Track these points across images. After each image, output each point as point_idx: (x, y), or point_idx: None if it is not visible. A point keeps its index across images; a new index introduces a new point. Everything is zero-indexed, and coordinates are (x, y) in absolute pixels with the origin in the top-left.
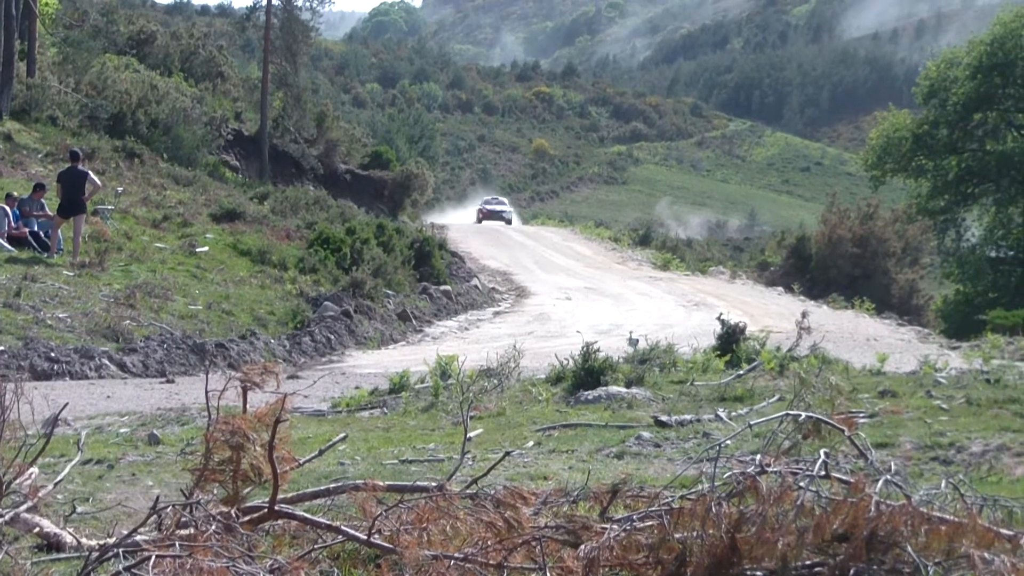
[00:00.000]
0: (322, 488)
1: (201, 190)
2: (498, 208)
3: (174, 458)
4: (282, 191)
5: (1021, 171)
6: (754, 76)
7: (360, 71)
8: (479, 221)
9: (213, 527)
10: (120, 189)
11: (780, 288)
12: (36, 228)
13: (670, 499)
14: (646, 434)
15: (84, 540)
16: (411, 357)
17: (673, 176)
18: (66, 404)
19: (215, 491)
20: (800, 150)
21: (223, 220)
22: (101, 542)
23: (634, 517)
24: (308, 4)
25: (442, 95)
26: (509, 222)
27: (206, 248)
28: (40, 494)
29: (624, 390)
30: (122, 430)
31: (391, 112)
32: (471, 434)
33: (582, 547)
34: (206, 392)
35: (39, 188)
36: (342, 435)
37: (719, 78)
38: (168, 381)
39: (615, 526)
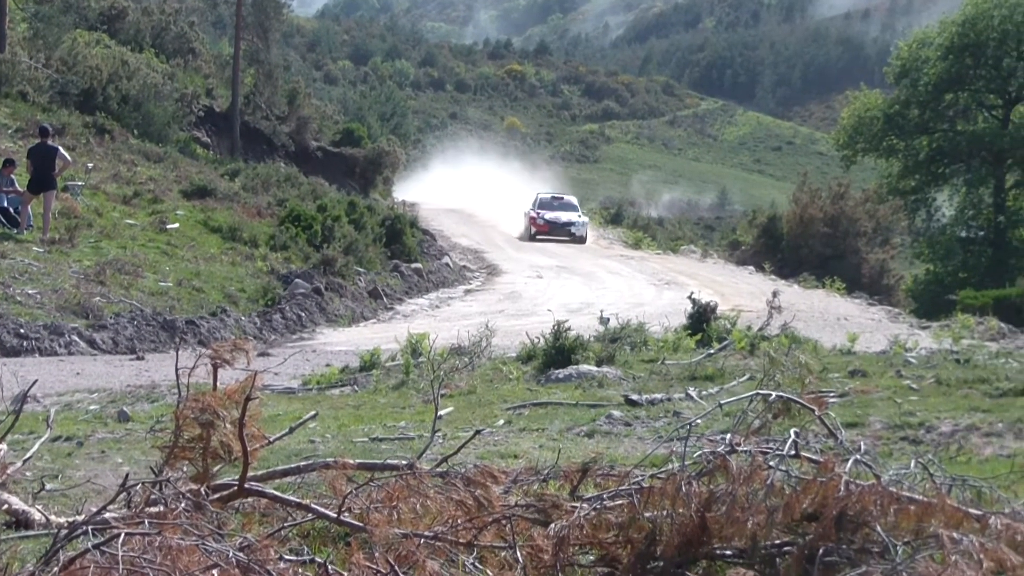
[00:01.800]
0: (292, 466)
1: (172, 167)
2: (564, 218)
3: (144, 435)
4: (253, 168)
5: (991, 151)
6: (726, 55)
7: (332, 48)
8: (532, 236)
9: (183, 505)
10: (90, 165)
11: (751, 267)
12: (5, 204)
13: (640, 478)
14: (616, 413)
15: (53, 517)
16: (382, 335)
17: (645, 155)
18: (35, 381)
19: (185, 468)
20: (772, 129)
21: (194, 197)
22: (70, 519)
23: (604, 496)
24: None
25: (414, 73)
26: (582, 239)
27: (177, 225)
28: (9, 471)
29: (595, 369)
30: (92, 407)
31: (363, 89)
32: (441, 412)
33: (552, 526)
34: (176, 369)
35: (9, 164)
36: (312, 413)
37: (691, 57)
38: (138, 358)
39: (585, 505)
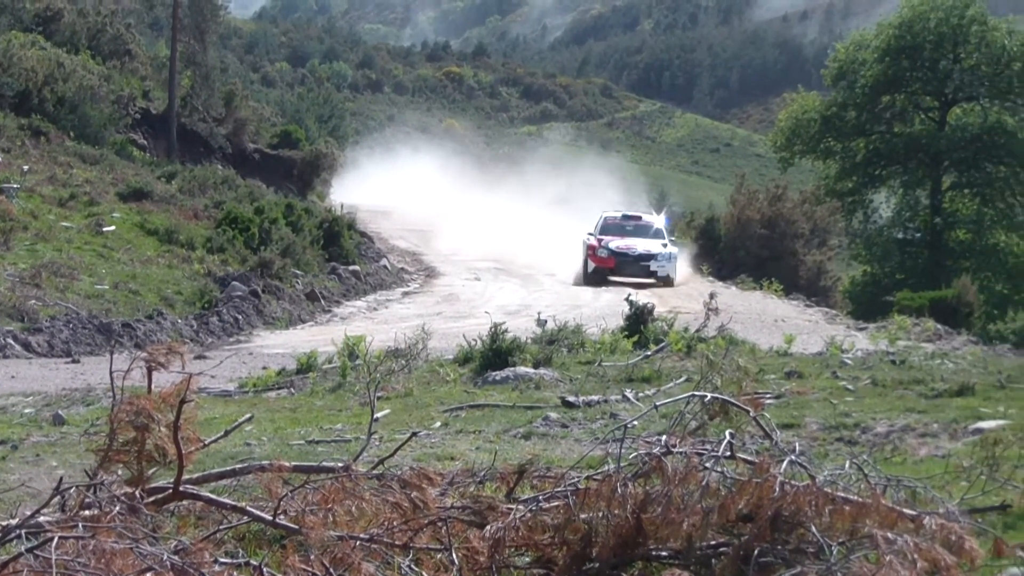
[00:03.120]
0: (228, 469)
1: (108, 169)
2: (641, 247)
3: (79, 439)
4: (190, 170)
5: (928, 153)
6: (664, 57)
7: (270, 50)
8: (590, 274)
9: (117, 508)
10: (26, 168)
11: (689, 269)
12: None
13: (576, 480)
14: (553, 415)
15: None
16: (319, 337)
17: (583, 156)
18: None
19: (119, 472)
20: (710, 131)
21: (130, 199)
22: (3, 523)
23: (540, 498)
24: None
25: (352, 75)
26: (668, 280)
27: (113, 228)
28: None
29: (532, 371)
30: (26, 410)
31: (300, 92)
32: (378, 415)
33: (488, 528)
34: (111, 372)
35: None
36: (248, 416)
37: (629, 59)
38: (74, 361)
39: (521, 507)
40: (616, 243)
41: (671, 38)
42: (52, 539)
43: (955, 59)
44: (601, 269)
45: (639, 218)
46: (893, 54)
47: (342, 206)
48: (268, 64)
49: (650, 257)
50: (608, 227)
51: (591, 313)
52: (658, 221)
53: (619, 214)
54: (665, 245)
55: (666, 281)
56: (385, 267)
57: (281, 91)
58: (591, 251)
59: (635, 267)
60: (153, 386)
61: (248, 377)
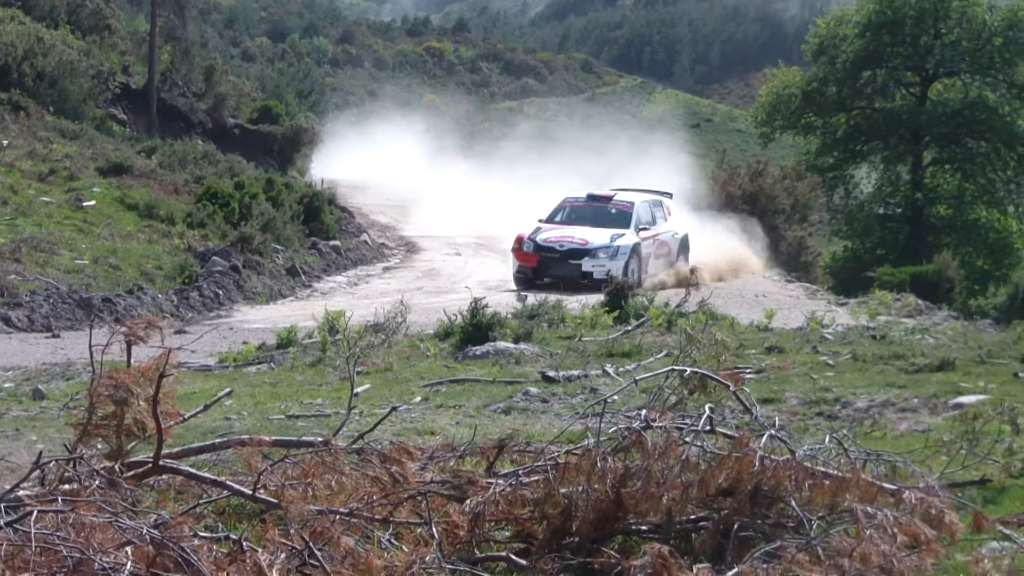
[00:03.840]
0: (207, 443)
1: (88, 144)
2: (581, 239)
3: (58, 413)
4: (170, 145)
5: (909, 129)
6: (644, 33)
7: (249, 25)
8: (514, 270)
9: (96, 482)
10: (5, 143)
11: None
12: None
13: (556, 454)
14: (533, 389)
15: None
16: (299, 312)
17: (563, 132)
18: None
19: (99, 446)
20: (690, 107)
21: (110, 174)
22: None
23: (520, 472)
24: None
25: (332, 50)
26: (620, 284)
27: (93, 202)
28: None
29: (512, 346)
30: (6, 385)
31: (281, 67)
32: (358, 389)
33: (468, 502)
34: (90, 347)
35: None
36: (227, 390)
37: (610, 35)
38: (54, 336)
39: (501, 481)
40: (548, 234)
41: (651, 13)
42: (31, 513)
43: (936, 34)
44: (524, 268)
45: (608, 199)
46: (874, 29)
47: (323, 181)
48: (248, 39)
49: (583, 253)
50: (564, 210)
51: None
52: (639, 203)
53: (583, 194)
54: (619, 236)
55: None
56: (365, 242)
57: (261, 66)
58: (517, 244)
59: (563, 266)
60: (133, 360)
61: (228, 352)
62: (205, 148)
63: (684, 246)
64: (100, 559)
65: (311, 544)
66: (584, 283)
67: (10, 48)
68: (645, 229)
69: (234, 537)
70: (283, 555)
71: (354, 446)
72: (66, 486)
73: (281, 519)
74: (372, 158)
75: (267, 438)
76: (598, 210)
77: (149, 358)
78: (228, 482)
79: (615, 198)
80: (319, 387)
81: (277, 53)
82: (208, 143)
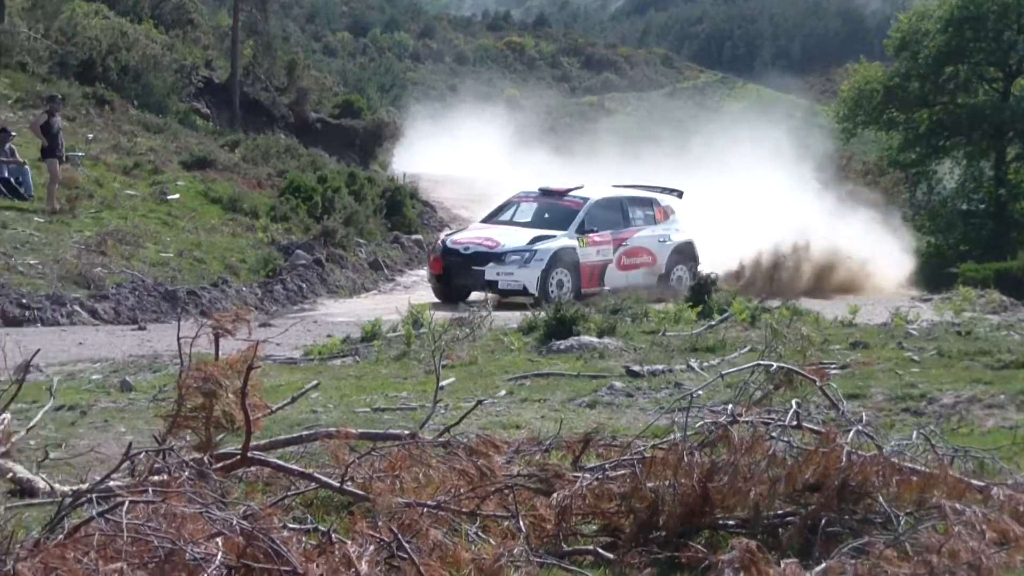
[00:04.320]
0: (294, 435)
1: (172, 137)
2: (495, 241)
3: (146, 405)
4: (253, 139)
5: (992, 125)
6: (725, 28)
7: (331, 20)
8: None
9: (186, 473)
10: (91, 136)
11: None
12: (6, 174)
13: (642, 448)
14: (618, 384)
15: (57, 486)
16: (383, 306)
17: (645, 127)
18: (38, 350)
19: (187, 438)
20: (771, 102)
21: (194, 168)
22: (74, 488)
23: (606, 466)
24: None
25: (413, 45)
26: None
27: (177, 196)
28: (12, 440)
29: (596, 340)
30: (94, 377)
31: (362, 61)
32: (443, 383)
33: (555, 495)
34: (178, 339)
35: (4, 134)
36: (314, 383)
37: (690, 29)
38: (140, 328)
39: (587, 475)
40: (464, 234)
41: (732, 8)
42: (123, 503)
43: (1019, 30)
44: (432, 276)
45: (562, 194)
46: (956, 24)
47: (404, 175)
48: (329, 34)
49: (488, 258)
50: (511, 207)
51: None
52: (596, 200)
53: (536, 190)
54: (544, 239)
55: (524, 295)
56: None
57: (343, 61)
58: (431, 249)
59: (466, 273)
60: (219, 353)
61: (313, 345)
62: (287, 142)
63: (684, 253)
64: (191, 549)
65: (399, 536)
66: (495, 294)
67: (95, 43)
68: (595, 232)
69: (323, 529)
70: (372, 547)
71: (440, 439)
72: (156, 477)
73: (368, 511)
74: (453, 152)
75: (354, 431)
76: (550, 207)
77: (236, 351)
78: (316, 474)
79: (571, 193)
80: (404, 380)
81: (358, 48)
82: (290, 137)
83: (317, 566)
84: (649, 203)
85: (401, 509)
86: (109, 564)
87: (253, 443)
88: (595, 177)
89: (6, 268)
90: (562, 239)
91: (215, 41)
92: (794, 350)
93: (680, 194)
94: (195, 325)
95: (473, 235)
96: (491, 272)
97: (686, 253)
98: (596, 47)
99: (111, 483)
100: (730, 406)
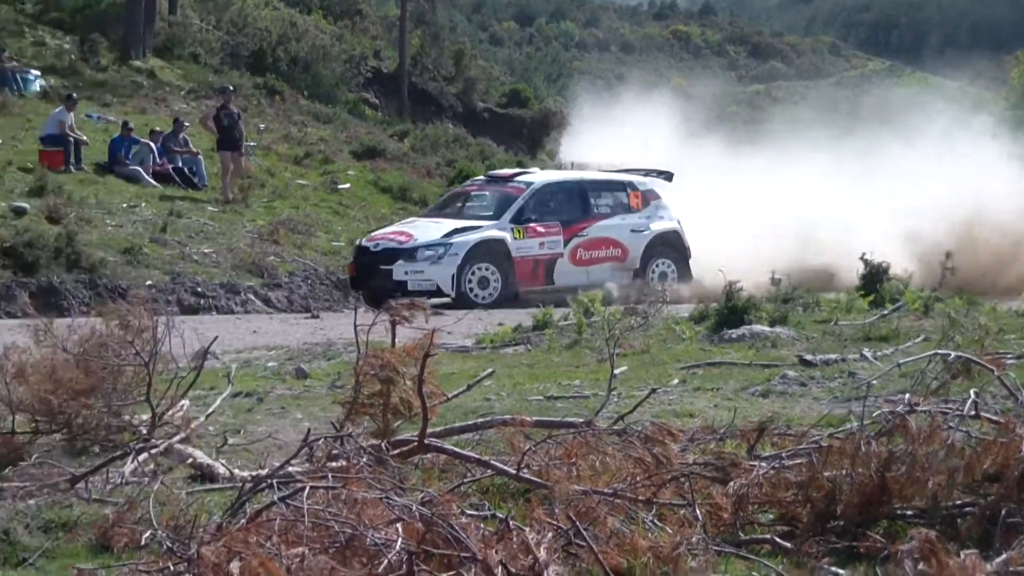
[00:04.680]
0: (470, 423)
1: (342, 127)
2: (407, 237)
3: (322, 392)
4: (421, 129)
5: None
6: (892, 15)
7: (497, 9)
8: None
9: (364, 459)
10: (262, 126)
11: None
12: (180, 164)
13: (818, 438)
14: (791, 373)
15: (236, 471)
16: (554, 295)
17: (813, 115)
18: (216, 338)
19: (364, 424)
20: (940, 90)
21: (364, 157)
22: (254, 473)
23: (783, 455)
24: None
25: (579, 34)
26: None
27: (347, 185)
28: (192, 426)
29: (768, 329)
30: (270, 364)
31: (528, 51)
32: (616, 371)
33: (731, 484)
34: (355, 326)
35: (178, 124)
36: (489, 371)
37: (856, 17)
38: (313, 316)
39: (763, 464)
40: (382, 231)
41: None
42: (303, 488)
43: None
44: (350, 280)
45: (508, 180)
46: None
47: (572, 164)
48: (495, 23)
49: (396, 255)
50: (457, 198)
51: None
52: (546, 183)
53: (482, 177)
54: (465, 231)
55: (439, 296)
56: None
57: (509, 50)
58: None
59: (375, 273)
60: (395, 341)
61: (484, 333)
62: (456, 132)
63: (666, 245)
64: (371, 535)
65: (577, 523)
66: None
67: (265, 33)
68: (536, 221)
69: (500, 516)
70: (550, 534)
71: (615, 427)
72: (334, 463)
73: (545, 499)
74: (620, 141)
75: (528, 419)
76: (495, 195)
77: (407, 339)
78: (492, 461)
79: (516, 178)
80: (576, 368)
81: (524, 37)
82: (458, 127)
83: (496, 552)
84: (621, 187)
85: (577, 497)
86: (291, 548)
87: (428, 430)
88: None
89: (181, 257)
90: (489, 230)
91: (383, 31)
92: (971, 339)
93: (669, 176)
94: (367, 313)
95: (389, 231)
96: (399, 271)
97: (669, 244)
98: (762, 35)
99: (290, 469)
100: (907, 395)
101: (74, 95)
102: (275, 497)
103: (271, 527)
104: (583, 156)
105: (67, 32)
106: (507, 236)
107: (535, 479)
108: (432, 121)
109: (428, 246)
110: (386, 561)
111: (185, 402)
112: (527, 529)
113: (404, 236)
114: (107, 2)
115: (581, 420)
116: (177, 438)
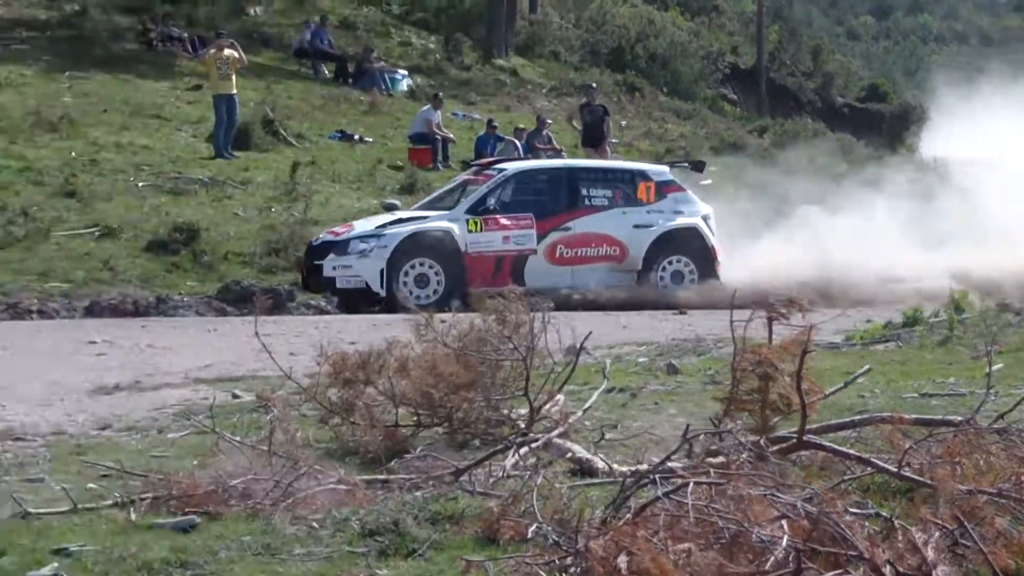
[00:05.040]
0: (847, 420)
1: (701, 123)
2: (350, 231)
3: (695, 388)
4: (781, 124)
5: None
6: None
7: (853, 4)
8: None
9: (744, 455)
10: (624, 123)
11: None
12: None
13: None
14: None
15: (616, 466)
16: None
17: None
18: (590, 333)
19: (741, 421)
20: None
21: (724, 152)
22: (633, 468)
23: None
24: None
25: (937, 27)
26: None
27: (710, 181)
28: (570, 420)
29: None
30: (640, 359)
31: (886, 45)
32: (992, 368)
33: None
34: (731, 322)
35: (541, 122)
36: (866, 367)
37: None
38: (680, 312)
39: None
40: (343, 226)
41: None
42: (687, 484)
43: None
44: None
45: (486, 168)
46: None
47: (934, 160)
48: (852, 18)
49: (328, 249)
50: (450, 191)
51: None
52: (520, 170)
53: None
54: (406, 222)
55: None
56: None
57: (866, 44)
58: None
59: (311, 271)
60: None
61: (853, 330)
62: (815, 127)
63: (680, 243)
64: (757, 531)
65: (965, 523)
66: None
67: (623, 31)
68: (499, 213)
69: (884, 515)
70: (936, 533)
71: (996, 425)
72: (713, 459)
73: (928, 497)
74: (981, 134)
75: (908, 416)
76: (475, 186)
77: (781, 336)
78: (873, 459)
79: (494, 166)
80: (949, 366)
81: (881, 31)
82: (817, 122)
83: (882, 551)
84: (627, 177)
85: (962, 496)
86: (676, 544)
87: (806, 427)
88: None
89: None
90: (434, 221)
91: (740, 27)
92: None
93: (699, 166)
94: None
95: (342, 227)
96: (328, 267)
97: (684, 243)
98: None
99: (671, 464)
100: None
101: (440, 94)
102: (659, 492)
103: (655, 522)
104: (942, 150)
105: (432, 32)
106: (455, 228)
107: (918, 478)
108: (790, 116)
109: (360, 238)
110: (773, 558)
111: (561, 397)
112: (913, 528)
113: (345, 227)
114: (470, 1)
115: (960, 418)
116: (556, 432)
